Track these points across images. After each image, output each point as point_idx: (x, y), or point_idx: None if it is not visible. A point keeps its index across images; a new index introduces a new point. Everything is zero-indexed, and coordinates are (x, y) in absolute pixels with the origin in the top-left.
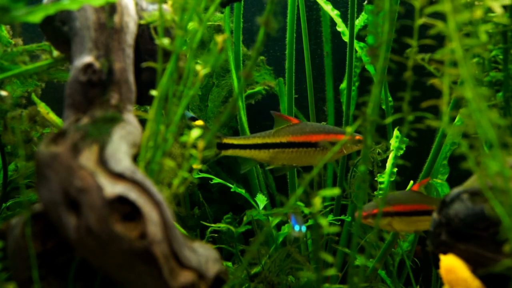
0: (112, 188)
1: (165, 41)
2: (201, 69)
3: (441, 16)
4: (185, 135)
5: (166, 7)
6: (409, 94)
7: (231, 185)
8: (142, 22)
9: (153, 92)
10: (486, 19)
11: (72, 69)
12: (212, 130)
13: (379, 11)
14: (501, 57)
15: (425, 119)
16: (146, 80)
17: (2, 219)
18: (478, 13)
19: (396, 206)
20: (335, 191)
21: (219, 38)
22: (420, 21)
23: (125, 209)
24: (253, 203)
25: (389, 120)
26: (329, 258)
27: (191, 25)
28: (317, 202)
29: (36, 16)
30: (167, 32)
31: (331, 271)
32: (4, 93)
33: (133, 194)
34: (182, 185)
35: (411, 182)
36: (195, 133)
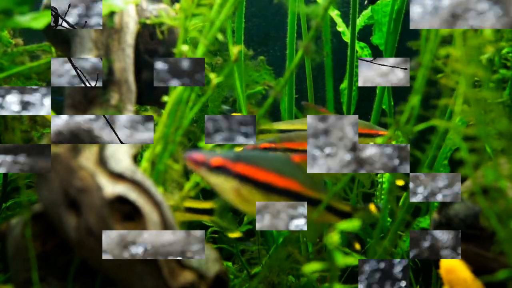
0: (112, 188)
1: (185, 48)
2: (214, 77)
3: None
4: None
5: (166, 6)
6: (460, 106)
7: None
8: (148, 22)
9: (165, 98)
10: None
11: None
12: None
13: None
14: (511, 54)
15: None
16: (146, 80)
17: (2, 219)
18: None
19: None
20: (355, 224)
21: (235, 49)
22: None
23: (125, 209)
24: None
25: (421, 126)
26: None
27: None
28: (335, 238)
29: (40, 22)
30: (171, 32)
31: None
32: None
33: (133, 194)
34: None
35: None
36: None
